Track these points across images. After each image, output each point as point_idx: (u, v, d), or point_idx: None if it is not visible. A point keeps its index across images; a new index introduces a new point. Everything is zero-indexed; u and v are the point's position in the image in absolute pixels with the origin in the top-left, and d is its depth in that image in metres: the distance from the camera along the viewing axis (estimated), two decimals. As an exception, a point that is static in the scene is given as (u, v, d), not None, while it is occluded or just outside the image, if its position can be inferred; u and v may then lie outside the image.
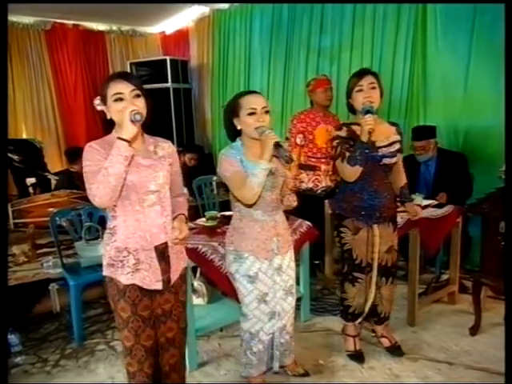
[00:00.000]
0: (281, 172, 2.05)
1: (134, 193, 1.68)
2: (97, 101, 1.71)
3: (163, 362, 1.89)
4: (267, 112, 1.95)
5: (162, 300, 1.80)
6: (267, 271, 2.08)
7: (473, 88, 3.64)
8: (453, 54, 3.75)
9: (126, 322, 1.73)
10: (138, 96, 1.66)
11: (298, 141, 3.50)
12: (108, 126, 1.71)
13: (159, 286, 1.75)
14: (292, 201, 2.12)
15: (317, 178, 3.55)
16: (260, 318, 2.12)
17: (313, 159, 3.54)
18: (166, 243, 1.77)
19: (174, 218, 1.84)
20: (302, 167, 3.53)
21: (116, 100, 1.63)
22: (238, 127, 1.98)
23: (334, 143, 2.33)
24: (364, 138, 2.18)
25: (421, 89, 4.02)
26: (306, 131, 3.51)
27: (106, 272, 1.75)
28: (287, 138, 3.56)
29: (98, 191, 1.58)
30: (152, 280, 1.73)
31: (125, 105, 1.61)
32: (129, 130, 1.58)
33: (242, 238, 2.05)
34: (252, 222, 2.04)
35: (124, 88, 1.64)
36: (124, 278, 1.70)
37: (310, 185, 3.54)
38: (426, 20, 3.89)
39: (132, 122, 1.57)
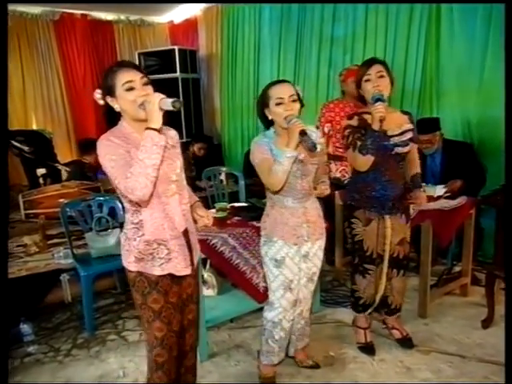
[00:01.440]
0: (311, 160, 2.05)
1: (160, 184, 1.65)
2: (98, 94, 1.65)
3: (185, 342, 1.91)
4: (295, 100, 1.94)
5: (186, 284, 1.83)
6: (294, 257, 2.11)
7: (489, 78, 3.55)
8: (469, 43, 3.67)
9: (158, 312, 1.72)
10: (147, 83, 1.62)
11: (326, 130, 3.49)
12: (113, 117, 1.66)
13: (189, 270, 1.78)
14: (324, 189, 2.13)
15: (344, 169, 3.53)
16: (285, 308, 2.15)
17: (340, 149, 3.50)
18: (186, 229, 1.78)
19: (191, 206, 1.85)
20: (330, 157, 3.51)
21: (128, 89, 1.58)
22: (270, 117, 2.00)
23: (346, 132, 2.31)
24: (375, 127, 2.14)
25: (434, 79, 3.95)
26: (333, 121, 3.49)
27: (133, 267, 1.69)
28: (317, 127, 3.53)
29: (138, 184, 1.51)
30: (183, 266, 1.75)
31: (136, 93, 1.57)
32: (159, 118, 1.53)
33: (274, 223, 2.09)
34: (283, 208, 2.07)
35: (134, 76, 1.59)
36: (157, 270, 1.69)
37: (338, 175, 3.52)
38: (441, 9, 3.80)
39: (175, 108, 1.51)
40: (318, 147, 2.00)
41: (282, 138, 1.98)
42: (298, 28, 5.07)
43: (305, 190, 2.07)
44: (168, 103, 1.51)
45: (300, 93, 2.01)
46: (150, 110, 1.53)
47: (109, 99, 1.63)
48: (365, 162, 2.22)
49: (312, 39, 4.93)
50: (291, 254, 2.10)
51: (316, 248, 2.17)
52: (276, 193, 2.04)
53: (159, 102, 1.52)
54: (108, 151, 1.58)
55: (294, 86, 1.98)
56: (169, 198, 1.71)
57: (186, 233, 1.78)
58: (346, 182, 3.46)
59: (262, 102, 2.01)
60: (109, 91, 1.62)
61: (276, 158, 1.94)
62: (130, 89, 1.58)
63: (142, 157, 1.51)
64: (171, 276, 1.73)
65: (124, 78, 1.59)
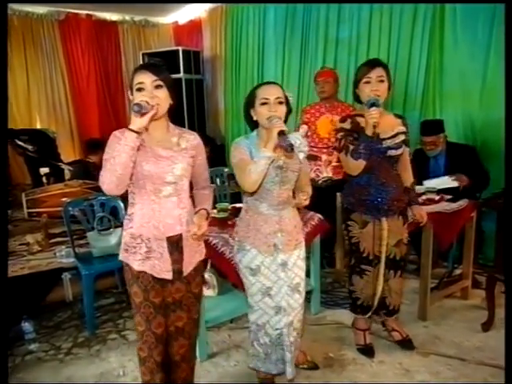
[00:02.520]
0: (293, 167, 2.01)
1: (150, 182, 1.71)
2: (128, 91, 1.77)
3: (173, 351, 1.90)
4: (281, 103, 1.92)
5: (173, 289, 1.82)
6: (270, 266, 2.05)
7: (492, 80, 3.56)
8: (472, 44, 3.68)
9: (138, 306, 1.77)
10: (159, 86, 1.67)
11: (301, 131, 3.49)
12: None
13: (169, 275, 1.77)
14: (303, 199, 1.98)
15: (318, 169, 3.55)
16: (266, 311, 2.10)
17: (315, 149, 3.53)
18: (180, 235, 1.78)
19: (195, 212, 1.85)
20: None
21: (138, 90, 1.67)
22: (254, 118, 1.98)
23: (339, 136, 2.30)
24: (369, 132, 2.13)
25: (437, 81, 3.96)
26: (309, 122, 3.55)
27: (121, 256, 1.80)
28: (296, 130, 3.56)
29: (106, 179, 1.62)
30: (162, 269, 1.75)
31: (144, 94, 1.64)
32: (135, 121, 1.59)
33: (246, 229, 2.05)
34: (256, 214, 2.03)
35: (145, 78, 1.66)
36: (136, 264, 1.75)
37: (312, 175, 3.50)
38: (444, 10, 3.82)
39: (134, 112, 1.58)
40: (301, 155, 2.00)
41: (264, 141, 1.94)
42: (303, 29, 5.09)
43: (282, 197, 2.02)
44: (132, 106, 1.60)
45: (290, 98, 1.98)
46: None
47: (131, 97, 1.73)
48: (357, 166, 2.21)
49: (317, 40, 4.95)
50: (267, 263, 2.04)
51: (294, 258, 2.10)
52: (251, 195, 1.99)
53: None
54: (108, 144, 1.69)
55: (282, 90, 1.95)
56: (161, 198, 1.74)
57: (178, 238, 1.78)
58: (319, 182, 3.50)
59: (249, 101, 1.98)
60: (130, 89, 1.73)
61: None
62: (140, 89, 1.67)
63: (114, 154, 1.60)
64: (152, 275, 1.75)
65: (136, 79, 1.68)
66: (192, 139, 1.85)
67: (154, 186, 1.71)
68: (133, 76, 1.70)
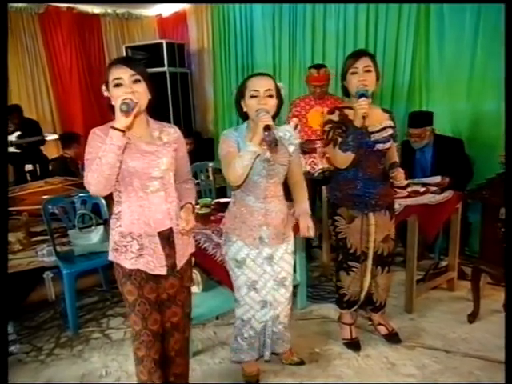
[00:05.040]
0: (280, 161, 1.98)
1: (136, 179, 1.68)
2: (103, 87, 1.69)
3: (169, 347, 1.90)
4: (271, 96, 1.87)
5: (168, 285, 1.81)
6: (256, 259, 2.04)
7: (478, 71, 3.54)
8: (459, 36, 3.65)
9: (133, 305, 1.75)
10: (137, 81, 1.63)
11: (292, 124, 3.45)
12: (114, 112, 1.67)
13: (163, 271, 1.76)
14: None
15: (313, 161, 3.53)
16: (251, 306, 2.09)
17: (308, 143, 3.50)
18: (171, 229, 1.76)
19: (181, 207, 1.82)
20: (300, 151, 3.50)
21: (115, 86, 1.61)
22: (244, 109, 1.94)
23: (326, 128, 2.25)
24: (358, 123, 2.09)
25: (423, 73, 3.94)
26: (299, 115, 3.52)
27: (111, 257, 1.77)
28: (286, 123, 3.52)
29: (92, 180, 1.57)
30: (156, 265, 1.74)
31: (123, 90, 1.58)
32: (121, 120, 1.54)
33: (233, 221, 2.04)
34: (243, 207, 2.01)
35: (123, 73, 1.61)
36: (128, 263, 1.72)
37: (307, 168, 3.50)
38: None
39: (122, 112, 1.53)
40: (291, 147, 1.97)
41: (252, 133, 1.92)
42: (290, 19, 5.05)
43: (269, 190, 2.00)
44: (119, 106, 1.53)
45: (282, 89, 1.95)
46: (116, 109, 1.55)
47: (106, 93, 1.67)
48: (345, 159, 2.16)
49: (305, 32, 4.92)
50: (252, 256, 2.03)
51: (281, 252, 2.08)
52: (237, 188, 1.98)
53: (119, 105, 1.53)
54: (88, 143, 1.65)
55: (274, 81, 1.91)
56: (149, 194, 1.71)
57: (168, 232, 1.76)
58: (315, 174, 3.48)
59: (239, 92, 1.94)
60: (106, 85, 1.66)
61: None
62: (118, 85, 1.61)
63: (100, 154, 1.55)
64: (145, 272, 1.73)
65: (113, 74, 1.62)
66: (172, 132, 1.82)
67: (140, 182, 1.68)
68: (108, 71, 1.64)
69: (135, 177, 1.67)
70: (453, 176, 3.13)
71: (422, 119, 3.35)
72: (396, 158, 2.40)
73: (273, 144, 1.76)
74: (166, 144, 1.76)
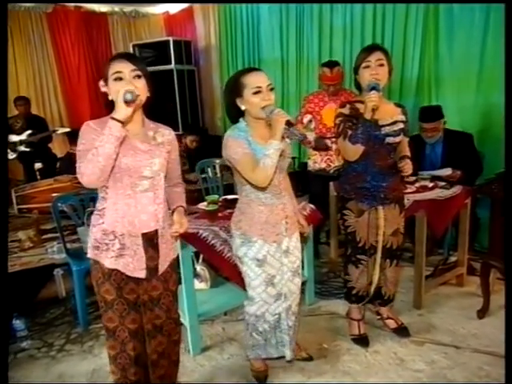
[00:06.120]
0: (287, 153, 2.00)
1: (127, 176, 1.65)
2: (101, 82, 1.68)
3: (150, 349, 1.85)
4: (272, 89, 1.87)
5: (150, 287, 1.78)
6: (275, 254, 2.05)
7: (489, 66, 3.50)
8: (468, 29, 3.61)
9: (110, 303, 1.72)
10: (138, 77, 1.62)
11: (305, 120, 3.46)
12: (111, 108, 1.66)
13: (142, 274, 1.73)
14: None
15: (329, 158, 3.51)
16: (266, 301, 2.10)
17: (323, 139, 3.48)
18: (156, 231, 1.74)
19: (173, 211, 1.82)
20: (315, 148, 3.49)
21: (115, 79, 1.60)
22: (242, 107, 1.90)
23: (337, 121, 2.26)
24: (367, 116, 2.09)
25: (432, 67, 3.91)
26: (313, 111, 3.47)
27: (90, 254, 1.72)
28: (297, 118, 3.53)
29: (87, 170, 1.55)
30: (135, 267, 1.71)
31: (123, 84, 1.58)
32: (122, 110, 1.53)
33: (251, 223, 2.00)
34: (261, 206, 1.99)
35: (124, 67, 1.60)
36: (108, 262, 1.68)
37: (323, 165, 3.50)
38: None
39: (125, 102, 1.52)
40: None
41: (258, 130, 1.91)
42: (297, 15, 5.03)
43: (282, 184, 2.01)
44: (123, 95, 1.53)
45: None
46: (116, 101, 1.55)
47: (105, 88, 1.66)
48: (354, 151, 2.17)
49: (312, 27, 4.90)
50: (272, 252, 2.03)
51: (294, 240, 2.12)
52: (262, 189, 1.95)
53: (123, 94, 1.53)
54: (81, 135, 1.63)
55: (267, 76, 1.90)
56: (137, 193, 1.69)
57: (153, 234, 1.74)
58: (331, 171, 3.46)
59: (234, 90, 1.90)
60: (104, 80, 1.65)
61: (255, 152, 1.87)
62: (118, 79, 1.60)
63: (97, 144, 1.54)
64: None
65: (114, 68, 1.61)
66: (167, 134, 1.81)
67: (130, 179, 1.66)
68: (108, 65, 1.63)
69: (126, 174, 1.64)
70: (463, 171, 3.11)
71: (434, 113, 3.33)
72: (407, 152, 2.39)
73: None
74: (160, 145, 1.74)
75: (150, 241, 1.73)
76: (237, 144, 1.88)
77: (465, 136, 3.39)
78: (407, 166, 2.25)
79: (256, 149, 1.87)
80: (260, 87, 1.84)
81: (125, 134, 1.57)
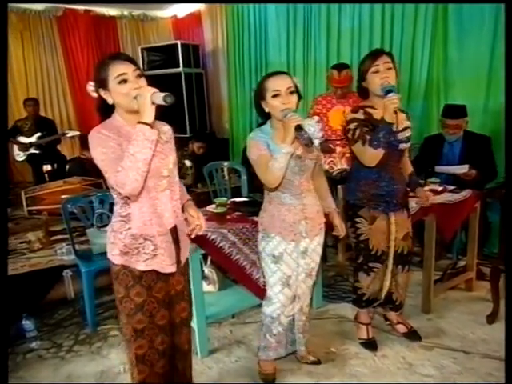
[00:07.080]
0: (309, 155, 2.01)
1: (150, 178, 1.63)
2: (91, 87, 1.62)
3: (180, 341, 1.91)
4: (292, 92, 1.89)
5: (175, 281, 1.82)
6: (292, 253, 2.07)
7: (497, 69, 3.48)
8: (477, 31, 3.61)
9: (140, 305, 1.72)
10: (139, 76, 1.60)
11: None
12: (105, 111, 1.64)
13: (174, 268, 1.76)
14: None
15: (332, 161, 3.53)
16: (283, 303, 2.13)
17: (328, 141, 3.48)
18: (175, 226, 1.77)
19: (183, 206, 1.83)
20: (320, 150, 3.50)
21: (121, 82, 1.55)
22: (266, 110, 1.95)
23: (352, 126, 2.21)
24: (389, 119, 2.03)
25: (441, 70, 3.90)
26: (320, 113, 3.49)
27: (118, 261, 1.68)
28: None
29: (127, 179, 1.49)
30: (168, 263, 1.73)
31: (130, 86, 1.55)
32: (148, 114, 1.50)
33: (271, 220, 2.06)
34: (280, 205, 2.03)
35: (127, 69, 1.57)
36: (142, 265, 1.68)
37: (326, 167, 3.51)
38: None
39: (166, 103, 1.49)
40: (316, 141, 1.96)
41: (279, 132, 1.93)
42: (305, 18, 5.04)
43: (303, 186, 2.03)
44: (160, 97, 1.48)
45: (298, 84, 1.95)
46: (141, 103, 1.50)
47: (102, 92, 1.60)
48: (375, 156, 2.11)
49: (320, 31, 4.91)
50: (289, 250, 2.06)
51: (315, 244, 2.13)
52: (274, 189, 1.99)
53: (151, 96, 1.49)
54: (99, 143, 1.56)
55: (291, 78, 1.93)
56: (159, 193, 1.69)
57: (174, 230, 1.76)
58: (334, 173, 3.48)
59: (259, 93, 1.95)
60: (101, 84, 1.59)
61: (273, 153, 1.89)
62: (123, 81, 1.56)
63: (132, 151, 1.48)
64: (156, 271, 1.71)
65: (116, 70, 1.56)
66: (167, 130, 1.79)
67: (153, 181, 1.65)
68: (107, 68, 1.56)
69: (150, 176, 1.61)
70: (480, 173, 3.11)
71: (459, 110, 3.34)
72: (411, 167, 2.45)
73: (310, 143, 1.80)
74: (167, 143, 1.74)
75: (172, 236, 1.75)
76: (255, 145, 1.95)
77: (483, 138, 3.39)
78: (426, 197, 2.42)
79: (275, 150, 1.90)
80: (278, 90, 1.87)
81: (156, 136, 1.55)
